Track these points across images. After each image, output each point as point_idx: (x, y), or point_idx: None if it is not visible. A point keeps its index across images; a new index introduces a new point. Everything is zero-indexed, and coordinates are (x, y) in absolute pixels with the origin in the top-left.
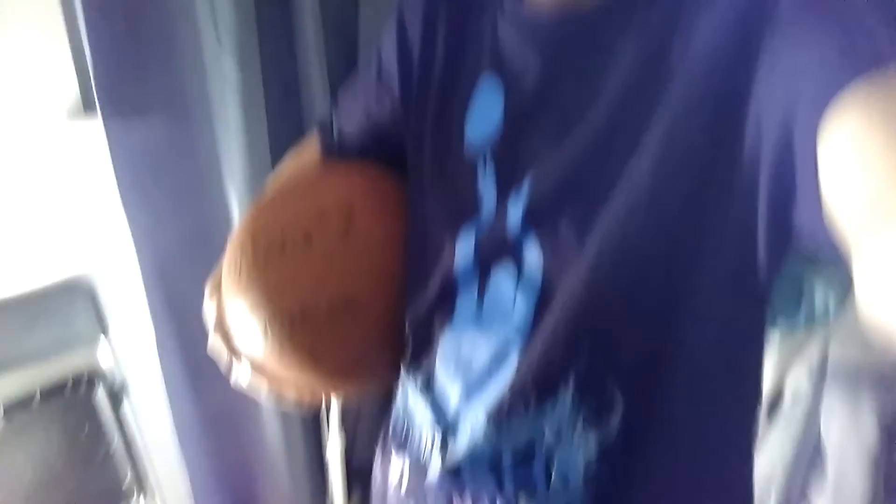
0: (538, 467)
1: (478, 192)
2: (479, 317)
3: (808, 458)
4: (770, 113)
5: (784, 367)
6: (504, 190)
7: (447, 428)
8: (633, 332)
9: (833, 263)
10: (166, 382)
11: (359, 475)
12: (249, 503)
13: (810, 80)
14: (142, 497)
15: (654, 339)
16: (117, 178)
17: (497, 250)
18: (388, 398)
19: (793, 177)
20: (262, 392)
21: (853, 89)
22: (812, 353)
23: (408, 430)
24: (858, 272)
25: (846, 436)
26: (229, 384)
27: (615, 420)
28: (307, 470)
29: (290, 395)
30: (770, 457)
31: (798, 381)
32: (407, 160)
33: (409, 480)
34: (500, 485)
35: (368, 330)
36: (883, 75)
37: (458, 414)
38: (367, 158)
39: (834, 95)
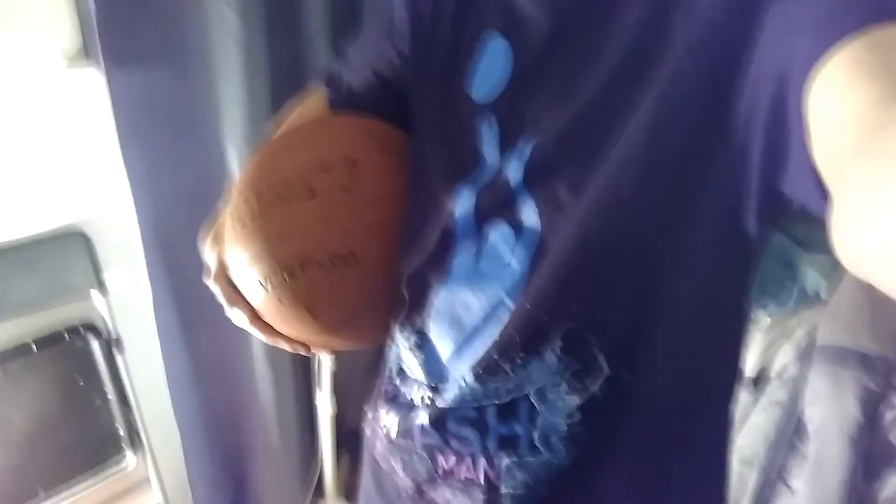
0: (521, 426)
1: (479, 149)
2: (475, 275)
3: (789, 438)
4: (766, 73)
5: (771, 347)
6: (505, 148)
7: (436, 385)
8: (620, 295)
9: (824, 250)
10: (160, 335)
11: (349, 438)
12: (239, 458)
13: (804, 38)
14: (133, 449)
15: (641, 303)
16: (117, 127)
17: (495, 209)
18: (379, 360)
19: (786, 139)
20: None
21: (843, 45)
22: (799, 334)
23: (398, 386)
24: (833, 211)
25: (828, 416)
26: (223, 339)
27: (597, 384)
28: (298, 428)
29: (286, 346)
30: (753, 436)
31: (784, 362)
32: (411, 116)
33: (396, 436)
34: (483, 442)
35: (367, 285)
36: (874, 32)
37: (447, 372)
38: (372, 113)
39: (825, 52)
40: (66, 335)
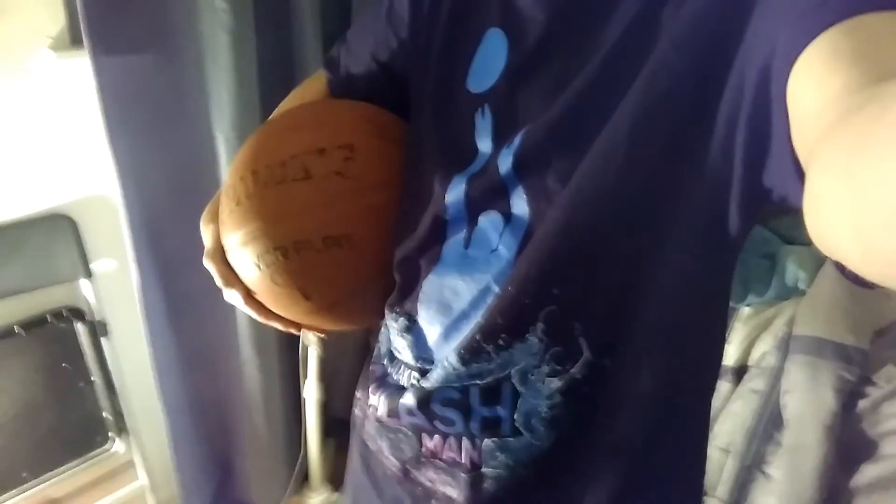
0: (503, 409)
1: (474, 140)
2: (464, 261)
3: (766, 426)
4: (751, 65)
5: (751, 339)
6: (499, 140)
7: (424, 369)
8: (603, 281)
9: (804, 243)
10: (146, 320)
11: (335, 424)
12: (225, 443)
13: (788, 29)
14: (118, 434)
15: (623, 290)
16: (104, 114)
17: (486, 199)
18: (366, 347)
19: (767, 128)
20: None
21: (825, 35)
22: (778, 325)
23: (386, 370)
24: (805, 190)
25: (804, 405)
26: (209, 324)
27: (579, 368)
28: (284, 414)
29: (279, 326)
30: (731, 424)
31: (763, 354)
32: (408, 101)
33: (384, 416)
34: (466, 424)
35: (359, 268)
36: (854, 19)
37: (434, 356)
38: (371, 99)
39: (807, 42)
40: (52, 319)
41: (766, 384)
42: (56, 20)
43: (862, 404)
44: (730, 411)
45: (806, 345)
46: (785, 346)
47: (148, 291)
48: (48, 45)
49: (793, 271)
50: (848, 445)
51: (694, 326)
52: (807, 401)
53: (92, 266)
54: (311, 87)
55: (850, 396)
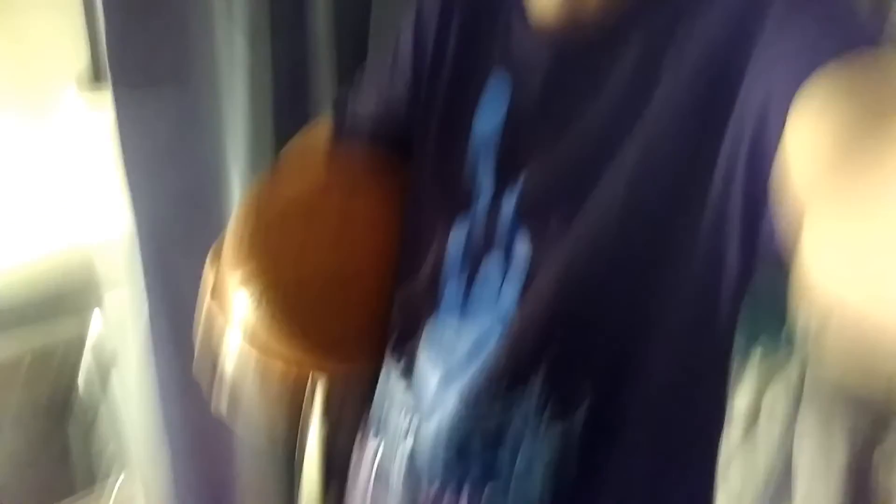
0: (505, 454)
1: (476, 184)
2: (465, 306)
3: (778, 478)
4: (750, 108)
5: (762, 386)
6: (501, 184)
7: (423, 413)
8: (605, 326)
9: None
10: (153, 355)
11: (338, 470)
12: (227, 482)
13: (786, 70)
14: (121, 470)
15: (625, 333)
16: (122, 150)
17: (488, 242)
18: (371, 389)
19: (766, 174)
20: (250, 365)
21: (821, 75)
22: (791, 373)
23: (386, 413)
24: (800, 248)
25: (817, 457)
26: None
27: (581, 414)
28: (287, 454)
29: (278, 369)
30: (742, 475)
31: (775, 401)
32: (412, 144)
33: (381, 462)
34: (467, 469)
35: (360, 309)
36: (853, 61)
37: (435, 400)
38: (377, 141)
39: (804, 82)
40: (61, 352)
41: (778, 434)
42: (79, 56)
43: (877, 453)
44: (740, 459)
45: (818, 392)
46: (797, 394)
47: (156, 325)
48: (71, 81)
49: (805, 317)
50: (862, 495)
51: (698, 372)
52: (819, 451)
53: (104, 301)
54: (320, 128)
55: (864, 445)
